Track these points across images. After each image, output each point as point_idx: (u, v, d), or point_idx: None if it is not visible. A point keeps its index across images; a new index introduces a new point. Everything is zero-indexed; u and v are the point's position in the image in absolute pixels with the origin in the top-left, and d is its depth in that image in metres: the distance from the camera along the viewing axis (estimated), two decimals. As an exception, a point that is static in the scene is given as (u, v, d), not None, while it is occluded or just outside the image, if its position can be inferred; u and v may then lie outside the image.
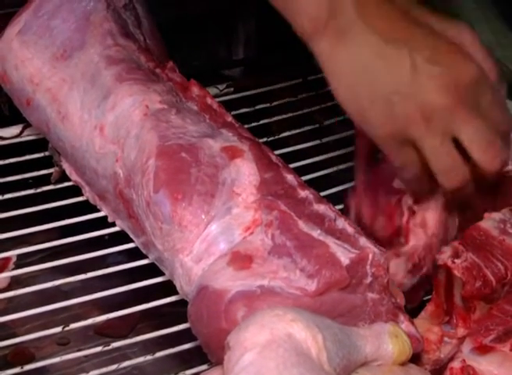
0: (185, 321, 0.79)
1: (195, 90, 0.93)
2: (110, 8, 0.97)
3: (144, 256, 0.87)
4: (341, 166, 1.01)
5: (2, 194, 0.95)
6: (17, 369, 0.78)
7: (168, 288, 0.83)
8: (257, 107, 1.10)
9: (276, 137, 1.05)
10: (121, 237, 0.89)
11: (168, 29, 1.07)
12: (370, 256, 0.74)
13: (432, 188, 0.80)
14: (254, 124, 1.05)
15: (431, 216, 0.81)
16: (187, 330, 0.79)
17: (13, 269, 0.91)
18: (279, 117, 1.09)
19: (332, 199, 0.84)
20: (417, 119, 0.74)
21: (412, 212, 0.81)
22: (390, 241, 0.82)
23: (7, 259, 0.91)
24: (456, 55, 0.75)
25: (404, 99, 0.74)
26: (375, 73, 0.75)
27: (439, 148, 0.75)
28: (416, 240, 0.82)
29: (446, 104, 0.74)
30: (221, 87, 1.12)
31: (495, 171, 0.76)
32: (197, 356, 0.78)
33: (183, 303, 0.81)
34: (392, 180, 0.83)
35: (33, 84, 0.95)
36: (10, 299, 0.86)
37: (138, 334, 0.83)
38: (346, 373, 0.66)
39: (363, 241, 0.76)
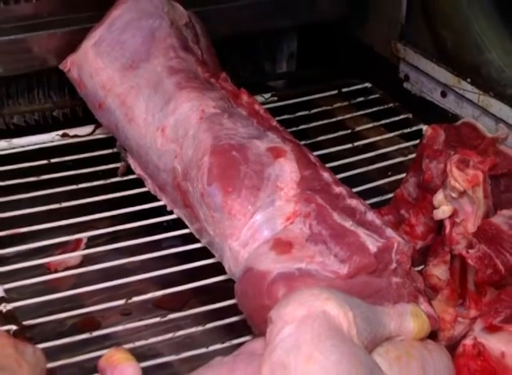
0: (231, 297, 0.78)
1: (244, 97, 0.93)
2: (173, 25, 0.97)
3: (197, 240, 0.86)
4: (370, 167, 1.00)
5: (77, 184, 0.95)
6: (87, 335, 0.78)
7: (218, 269, 0.83)
8: (297, 114, 1.09)
9: (313, 140, 1.05)
10: (177, 224, 0.89)
11: (223, 45, 1.07)
12: (395, 245, 0.74)
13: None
14: (294, 129, 1.04)
15: (471, 226, 0.79)
16: (233, 305, 0.78)
17: (84, 249, 0.91)
18: (316, 123, 1.08)
19: (362, 195, 0.84)
20: None
21: (453, 223, 0.79)
22: (436, 250, 0.81)
23: (79, 241, 0.92)
24: None
25: None
26: None
27: None
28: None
29: None
30: (266, 96, 1.12)
31: None
32: (242, 328, 0.77)
33: (230, 282, 0.80)
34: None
35: (105, 90, 0.95)
36: (80, 275, 0.86)
37: (190, 308, 0.82)
38: (372, 345, 0.66)
39: (389, 231, 0.75)
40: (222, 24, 1.11)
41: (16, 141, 1.01)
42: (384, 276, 0.73)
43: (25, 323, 0.77)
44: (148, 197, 0.93)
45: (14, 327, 0.75)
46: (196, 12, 1.03)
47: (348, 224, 0.75)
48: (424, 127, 0.96)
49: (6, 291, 0.80)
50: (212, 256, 0.84)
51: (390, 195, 0.93)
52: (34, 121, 1.08)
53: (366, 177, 0.99)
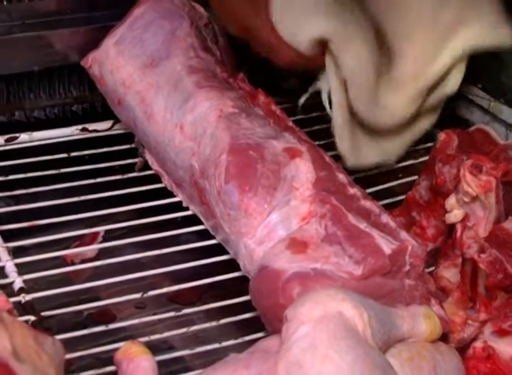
0: (245, 294, 0.77)
1: (261, 98, 0.92)
2: (193, 25, 0.95)
3: (212, 237, 0.85)
4: (381, 169, 0.99)
5: (95, 178, 0.94)
6: (103, 327, 0.77)
7: (232, 265, 0.82)
8: (311, 115, 1.08)
9: (326, 141, 1.03)
10: (192, 220, 0.88)
11: (241, 46, 1.06)
12: (409, 248, 0.72)
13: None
14: (307, 130, 1.03)
15: (482, 230, 0.78)
16: (247, 302, 0.77)
17: (101, 242, 0.90)
18: (329, 125, 1.07)
19: (374, 196, 0.82)
20: None
21: (464, 227, 0.78)
22: (447, 253, 0.79)
23: (96, 234, 0.91)
24: None
25: None
26: None
27: None
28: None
29: None
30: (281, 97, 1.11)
31: None
32: (255, 325, 0.76)
33: (244, 279, 0.79)
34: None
35: (125, 87, 0.94)
36: (97, 267, 0.85)
37: (204, 303, 0.81)
38: (385, 346, 0.65)
39: (403, 234, 0.74)
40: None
41: (37, 135, 1.00)
42: (397, 278, 0.72)
43: (43, 313, 0.75)
44: (165, 192, 0.92)
45: (32, 318, 0.74)
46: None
47: (363, 226, 0.74)
48: (435, 131, 0.95)
49: (25, 281, 0.79)
50: (227, 253, 0.83)
51: (401, 197, 0.92)
52: (54, 115, 1.07)
53: (377, 179, 0.97)
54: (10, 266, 0.80)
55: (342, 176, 0.81)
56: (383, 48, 0.92)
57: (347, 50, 0.87)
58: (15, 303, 0.75)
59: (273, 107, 0.90)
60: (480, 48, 0.92)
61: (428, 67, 0.90)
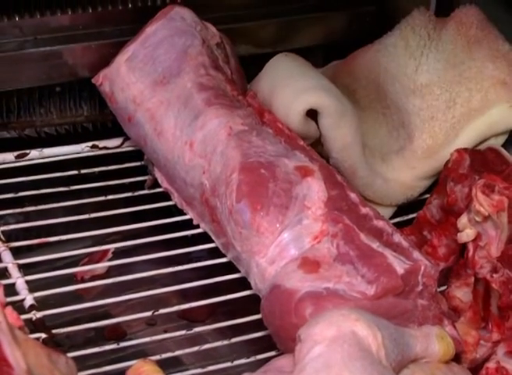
0: (256, 313, 0.77)
1: (267, 115, 0.92)
2: (205, 44, 0.96)
3: (223, 255, 0.85)
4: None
5: (105, 195, 0.94)
6: (114, 345, 0.77)
7: (243, 284, 0.82)
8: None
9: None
10: (203, 238, 0.88)
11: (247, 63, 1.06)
12: (422, 268, 0.73)
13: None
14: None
15: (494, 250, 0.78)
16: (258, 321, 0.77)
17: (111, 259, 0.90)
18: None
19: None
20: None
21: (476, 247, 0.78)
22: (459, 272, 0.80)
23: (106, 251, 0.91)
24: None
25: None
26: None
27: None
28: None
29: None
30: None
31: None
32: (267, 343, 0.76)
33: (255, 297, 0.79)
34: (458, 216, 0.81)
35: (136, 104, 0.94)
36: (107, 284, 0.85)
37: (215, 321, 0.81)
38: (399, 367, 0.65)
39: (416, 254, 0.74)
40: (246, 44, 1.11)
41: (47, 151, 1.00)
42: (410, 298, 0.72)
43: (54, 331, 0.75)
44: (175, 210, 0.92)
45: (43, 335, 0.74)
46: (223, 30, 1.02)
47: (375, 245, 0.74)
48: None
49: (35, 298, 0.79)
50: (237, 271, 0.83)
51: (412, 216, 0.92)
52: (65, 130, 1.07)
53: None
54: (21, 283, 0.80)
55: (354, 196, 0.81)
56: (394, 123, 0.94)
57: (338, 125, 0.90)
58: (26, 320, 0.75)
59: (280, 125, 0.90)
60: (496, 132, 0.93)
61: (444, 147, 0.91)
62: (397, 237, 0.76)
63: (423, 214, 0.88)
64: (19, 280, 0.80)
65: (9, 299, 0.76)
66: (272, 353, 0.75)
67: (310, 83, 0.92)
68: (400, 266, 0.72)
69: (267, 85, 0.96)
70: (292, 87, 0.92)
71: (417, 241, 0.86)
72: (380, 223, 0.77)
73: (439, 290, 0.79)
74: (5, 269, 0.82)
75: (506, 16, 1.07)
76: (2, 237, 0.86)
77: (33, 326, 0.75)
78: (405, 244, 0.75)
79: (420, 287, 0.72)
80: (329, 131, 0.90)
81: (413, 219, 0.91)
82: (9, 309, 0.70)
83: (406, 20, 0.99)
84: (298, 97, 0.91)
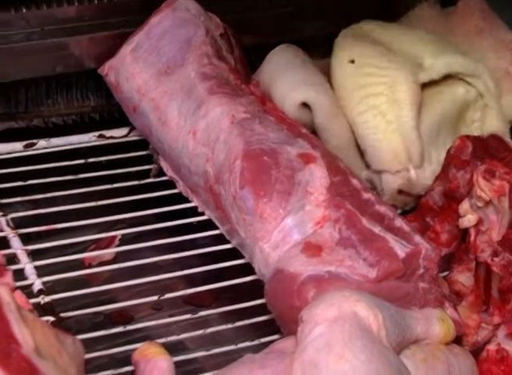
0: (260, 297, 0.78)
1: (269, 103, 0.93)
2: (208, 35, 0.96)
3: (227, 241, 0.86)
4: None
5: (112, 183, 0.95)
6: (120, 328, 0.78)
7: (247, 269, 0.83)
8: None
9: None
10: (208, 225, 0.89)
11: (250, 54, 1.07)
12: (423, 251, 0.73)
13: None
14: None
15: (495, 234, 0.78)
16: (262, 305, 0.78)
17: (117, 246, 0.91)
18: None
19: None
20: None
21: (477, 232, 0.79)
22: (461, 257, 0.80)
23: (113, 237, 0.92)
24: None
25: None
26: None
27: None
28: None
29: None
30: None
31: None
32: (270, 327, 0.77)
33: (258, 282, 0.80)
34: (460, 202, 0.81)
35: (140, 94, 0.95)
36: (114, 270, 0.86)
37: (220, 306, 0.82)
38: (400, 348, 0.66)
39: (417, 238, 0.75)
40: (250, 35, 1.11)
41: (55, 141, 1.01)
42: (411, 281, 0.73)
43: (62, 314, 0.77)
44: (180, 198, 0.93)
45: (52, 318, 0.76)
46: (227, 20, 1.03)
47: (377, 230, 0.75)
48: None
49: (44, 283, 0.80)
50: (242, 257, 0.84)
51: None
52: (72, 120, 1.08)
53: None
54: (29, 268, 0.81)
55: (356, 182, 0.82)
56: None
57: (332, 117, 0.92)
58: (34, 304, 0.76)
59: (282, 113, 0.91)
60: None
61: None
62: (399, 222, 0.77)
63: (425, 201, 0.89)
64: (27, 266, 0.81)
65: (18, 284, 0.78)
66: (276, 336, 0.76)
67: (307, 78, 0.94)
68: (401, 249, 0.73)
69: (267, 75, 0.97)
70: (289, 80, 0.94)
71: (419, 227, 0.87)
72: (382, 208, 0.78)
73: (441, 275, 0.80)
74: (14, 255, 0.83)
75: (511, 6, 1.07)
76: (11, 224, 0.87)
77: (42, 310, 0.77)
78: (406, 228, 0.76)
79: (421, 271, 0.73)
80: (323, 132, 0.92)
81: (415, 206, 0.91)
82: (18, 293, 0.72)
83: (414, 12, 1.00)
84: (294, 89, 0.92)
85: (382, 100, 0.91)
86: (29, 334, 0.57)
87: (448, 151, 0.87)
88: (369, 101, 0.92)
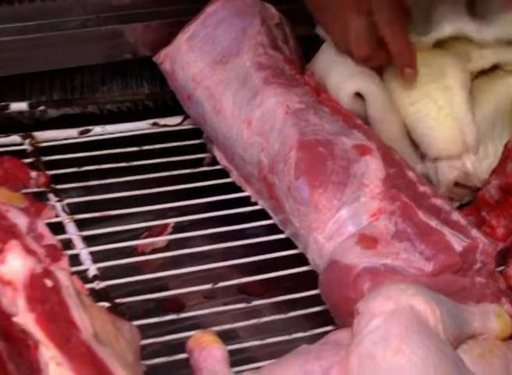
0: (314, 288, 0.78)
1: (323, 94, 0.92)
2: (264, 24, 0.96)
3: (280, 231, 0.86)
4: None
5: (165, 171, 0.95)
6: (174, 316, 0.78)
7: (300, 260, 0.82)
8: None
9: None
10: (260, 214, 0.89)
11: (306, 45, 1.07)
12: (480, 245, 0.73)
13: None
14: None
15: None
16: (315, 296, 0.78)
17: (170, 234, 0.91)
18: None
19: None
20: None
21: None
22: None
23: (166, 225, 0.91)
24: None
25: None
26: None
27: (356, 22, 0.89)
28: None
29: None
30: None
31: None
32: (324, 318, 0.77)
33: (312, 273, 0.80)
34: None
35: (195, 82, 0.95)
36: (166, 257, 0.86)
37: (273, 296, 0.82)
38: (456, 342, 0.65)
39: (474, 232, 0.74)
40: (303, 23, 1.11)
41: (110, 128, 1.02)
42: (468, 276, 0.72)
43: (117, 300, 0.77)
44: (233, 187, 0.93)
45: (106, 304, 0.76)
46: (282, 10, 1.03)
47: (433, 223, 0.74)
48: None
49: (98, 269, 0.81)
50: (295, 247, 0.84)
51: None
52: (126, 108, 1.09)
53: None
54: (85, 253, 0.82)
55: (411, 174, 0.81)
56: None
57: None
58: (89, 290, 0.77)
59: (336, 104, 0.91)
60: None
61: None
62: (455, 216, 0.76)
63: (482, 194, 0.87)
64: (83, 251, 0.82)
65: (74, 269, 0.78)
66: (330, 327, 0.76)
67: (361, 68, 0.93)
68: (458, 243, 0.72)
69: (322, 65, 0.96)
70: (343, 70, 0.93)
71: (475, 222, 0.86)
72: (438, 201, 0.78)
73: (497, 270, 0.79)
74: (70, 241, 0.84)
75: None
76: (67, 209, 0.88)
77: (97, 295, 0.77)
78: (463, 222, 0.75)
79: (478, 265, 0.73)
80: (376, 124, 0.91)
81: (471, 200, 0.90)
82: (75, 278, 0.72)
83: None
84: (347, 80, 0.92)
85: (432, 87, 0.90)
86: (88, 320, 0.57)
87: (505, 145, 0.86)
88: (420, 90, 0.91)
